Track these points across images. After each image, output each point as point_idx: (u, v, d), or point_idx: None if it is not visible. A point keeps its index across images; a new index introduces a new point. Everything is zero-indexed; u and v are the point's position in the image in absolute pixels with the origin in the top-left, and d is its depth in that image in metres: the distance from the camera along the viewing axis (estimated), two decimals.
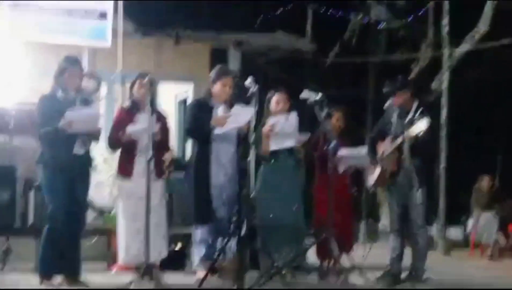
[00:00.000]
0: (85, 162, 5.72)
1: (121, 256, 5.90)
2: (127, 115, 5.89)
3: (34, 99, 5.84)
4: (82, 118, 5.50)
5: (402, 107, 6.14)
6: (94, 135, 5.73)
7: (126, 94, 8.03)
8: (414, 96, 6.31)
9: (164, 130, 5.99)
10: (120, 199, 5.95)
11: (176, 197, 7.56)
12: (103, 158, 6.79)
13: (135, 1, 9.25)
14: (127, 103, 6.14)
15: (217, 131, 5.90)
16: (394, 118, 6.25)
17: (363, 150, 6.37)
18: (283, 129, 6.07)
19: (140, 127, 5.66)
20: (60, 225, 5.47)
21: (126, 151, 5.90)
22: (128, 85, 8.49)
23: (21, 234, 6.67)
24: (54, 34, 8.28)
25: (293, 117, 6.10)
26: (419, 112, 6.16)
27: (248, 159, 5.47)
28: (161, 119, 6.02)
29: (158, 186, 5.91)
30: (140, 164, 5.70)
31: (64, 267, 5.57)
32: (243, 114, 5.83)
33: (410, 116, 6.16)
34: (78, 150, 5.58)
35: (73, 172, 5.55)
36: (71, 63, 5.68)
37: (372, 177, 6.43)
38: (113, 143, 5.99)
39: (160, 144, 5.88)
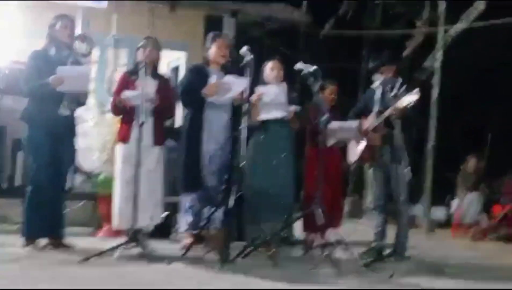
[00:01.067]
0: (70, 124, 5.69)
1: (115, 220, 5.91)
2: (129, 80, 5.85)
3: (25, 58, 5.79)
4: (73, 75, 5.45)
5: (386, 83, 6.13)
6: (80, 97, 5.69)
7: (118, 58, 8.01)
8: (406, 73, 6.32)
9: (167, 95, 5.93)
10: (117, 163, 5.95)
11: (165, 165, 7.55)
12: (94, 122, 6.76)
13: None
14: (130, 67, 6.10)
15: (210, 99, 5.89)
16: (378, 93, 6.25)
17: (353, 123, 6.37)
18: (272, 99, 6.05)
19: (135, 92, 5.62)
20: (44, 186, 5.46)
21: (126, 116, 5.87)
22: (120, 49, 8.49)
23: (8, 195, 6.65)
24: None
25: (282, 87, 6.09)
26: (403, 88, 6.18)
27: (240, 128, 5.46)
28: (164, 84, 5.97)
29: (155, 152, 5.89)
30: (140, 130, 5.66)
31: (49, 229, 5.57)
32: (236, 84, 5.81)
33: (394, 91, 6.17)
34: (63, 110, 5.55)
35: (57, 132, 5.52)
36: (62, 16, 5.67)
37: (355, 152, 6.45)
38: (113, 107, 5.97)
39: (162, 110, 5.85)
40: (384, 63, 6.24)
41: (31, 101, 5.53)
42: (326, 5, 15.00)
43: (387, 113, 5.97)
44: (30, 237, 5.52)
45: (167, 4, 9.98)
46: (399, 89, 6.19)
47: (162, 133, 6.02)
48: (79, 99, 5.71)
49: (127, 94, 5.70)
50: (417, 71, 12.91)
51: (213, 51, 6.06)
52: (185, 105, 6.28)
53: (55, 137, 5.52)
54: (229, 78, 5.88)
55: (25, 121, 5.55)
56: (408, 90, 6.02)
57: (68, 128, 5.67)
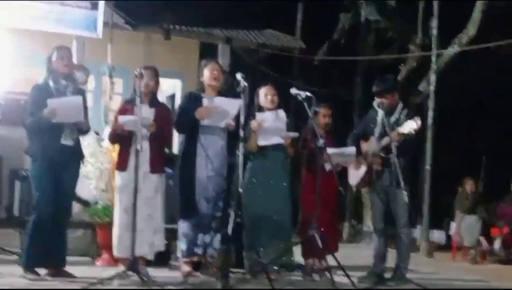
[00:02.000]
0: (74, 154, 5.70)
1: (114, 248, 5.88)
2: (127, 108, 5.86)
3: (21, 88, 5.82)
4: (65, 106, 5.46)
5: (388, 108, 6.16)
6: (81, 126, 5.70)
7: (115, 86, 8.05)
8: (400, 97, 6.36)
9: (165, 123, 5.92)
10: (116, 191, 5.94)
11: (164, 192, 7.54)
12: (90, 151, 6.75)
13: None
14: (128, 95, 6.12)
15: (203, 123, 5.88)
16: (379, 117, 6.27)
17: (351, 150, 6.38)
18: (271, 125, 6.07)
19: (130, 116, 5.62)
20: (47, 216, 5.46)
21: (123, 145, 5.88)
22: (116, 78, 8.53)
23: (6, 225, 6.62)
24: (44, 22, 8.25)
25: (282, 113, 6.11)
26: (404, 113, 6.21)
27: (237, 153, 5.46)
28: (162, 112, 5.98)
29: (153, 180, 5.88)
30: (136, 157, 5.65)
31: (49, 259, 5.55)
32: (228, 107, 5.81)
33: (396, 116, 6.20)
34: (65, 140, 5.57)
35: (61, 163, 5.54)
36: (58, 48, 5.70)
37: (356, 176, 6.45)
38: (111, 135, 5.97)
39: (160, 138, 5.85)
40: (386, 89, 6.27)
41: (33, 135, 5.56)
42: (319, 31, 15.14)
43: (389, 138, 5.97)
44: (30, 266, 5.48)
45: (162, 33, 10.05)
46: (400, 113, 6.22)
47: (161, 161, 5.99)
48: (80, 127, 5.71)
49: (122, 119, 5.70)
50: (412, 95, 12.99)
51: (206, 75, 6.07)
52: (179, 130, 6.28)
53: (59, 167, 5.54)
54: (220, 100, 5.88)
55: (29, 155, 5.59)
56: (409, 115, 6.04)
57: (71, 157, 5.68)
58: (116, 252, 5.88)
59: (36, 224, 5.48)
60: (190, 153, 5.96)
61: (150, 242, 5.80)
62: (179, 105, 6.33)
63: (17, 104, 7.07)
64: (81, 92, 5.85)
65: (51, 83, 5.59)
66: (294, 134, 6.23)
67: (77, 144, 5.75)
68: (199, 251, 5.82)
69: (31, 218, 5.54)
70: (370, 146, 6.28)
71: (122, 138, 5.84)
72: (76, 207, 7.03)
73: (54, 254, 5.57)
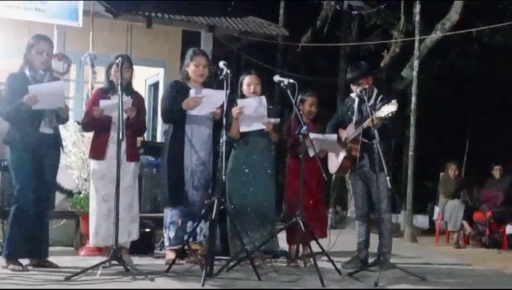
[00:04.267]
0: (54, 142, 5.67)
1: (91, 237, 5.88)
2: (103, 96, 5.84)
3: (2, 78, 5.76)
4: (46, 91, 5.43)
5: (363, 94, 6.17)
6: (61, 114, 5.66)
7: (97, 76, 7.99)
8: (384, 83, 6.37)
9: (141, 111, 5.95)
10: (92, 180, 5.92)
11: (145, 180, 7.54)
12: (72, 141, 6.72)
13: None
14: (104, 85, 6.10)
15: (190, 113, 5.90)
16: (355, 104, 6.29)
17: (333, 136, 6.40)
18: (253, 112, 6.07)
19: (111, 101, 5.59)
20: (28, 205, 5.43)
21: (100, 133, 5.85)
22: (98, 67, 8.46)
23: None
24: (25, 12, 8.19)
25: (263, 100, 6.11)
26: (380, 98, 6.23)
27: (221, 141, 5.47)
28: (138, 100, 5.97)
29: (131, 168, 5.89)
30: (114, 145, 5.62)
31: (32, 249, 5.53)
32: (215, 97, 5.82)
33: (371, 102, 6.22)
34: (45, 128, 5.53)
35: (40, 152, 5.51)
36: (39, 39, 5.64)
37: (335, 163, 6.47)
38: (87, 122, 5.95)
39: (135, 126, 5.85)
40: (361, 74, 6.28)
41: (11, 123, 5.51)
42: (302, 18, 15.11)
43: (365, 123, 6.00)
44: (12, 256, 5.45)
45: (143, 21, 9.99)
46: (375, 99, 6.25)
47: (136, 149, 6.03)
48: (60, 115, 5.67)
49: (103, 103, 5.68)
50: (395, 81, 13.01)
51: (191, 69, 6.08)
52: (166, 120, 6.29)
53: (39, 156, 5.51)
54: (208, 91, 5.89)
55: (7, 144, 5.53)
56: (385, 100, 6.06)
57: (51, 146, 5.64)
58: (93, 241, 5.89)
59: (17, 214, 5.45)
60: (178, 142, 5.98)
61: (128, 231, 5.84)
62: (163, 94, 6.32)
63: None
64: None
65: (27, 72, 5.55)
66: (276, 120, 6.23)
67: (57, 133, 5.72)
68: (188, 238, 5.83)
69: (12, 208, 5.51)
70: (348, 132, 6.30)
71: (98, 126, 5.82)
72: (58, 197, 7.02)
73: (36, 245, 5.56)
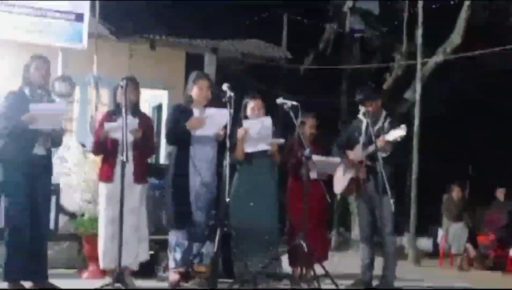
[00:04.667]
0: (46, 164, 5.65)
1: (100, 260, 5.86)
2: (110, 119, 5.84)
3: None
4: (47, 113, 5.43)
5: (372, 116, 6.18)
6: (56, 136, 5.66)
7: (101, 97, 8.03)
8: (386, 106, 6.39)
9: (148, 132, 5.95)
10: (100, 202, 5.91)
11: (148, 202, 7.51)
12: (75, 162, 6.72)
13: (111, 5, 9.22)
14: (111, 107, 6.11)
15: (193, 133, 5.90)
16: (363, 125, 6.30)
17: (336, 159, 6.41)
18: (257, 132, 6.08)
19: (116, 123, 5.58)
20: (22, 227, 5.38)
21: (108, 155, 5.86)
22: (102, 89, 8.51)
23: None
24: (29, 34, 8.25)
25: (267, 120, 6.12)
26: (388, 121, 6.23)
27: (224, 163, 5.46)
28: (145, 122, 5.98)
29: (137, 189, 5.87)
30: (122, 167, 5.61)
31: (30, 271, 5.46)
32: (218, 117, 5.83)
33: (379, 124, 6.22)
34: (38, 150, 5.51)
35: (33, 172, 5.47)
36: (36, 57, 5.65)
37: (341, 184, 6.46)
38: (95, 146, 5.96)
39: (142, 148, 5.85)
40: (368, 97, 6.29)
41: (6, 142, 5.46)
42: (305, 41, 15.17)
43: (373, 147, 5.98)
44: (10, 279, 5.40)
45: (147, 43, 10.05)
46: (383, 122, 6.25)
47: (144, 171, 6.00)
48: (54, 138, 5.67)
49: (107, 125, 5.69)
50: (398, 103, 13.03)
51: (195, 92, 6.09)
52: (170, 143, 6.29)
53: (31, 177, 5.46)
54: (211, 111, 5.90)
55: (0, 163, 5.48)
56: (393, 123, 6.06)
57: (44, 168, 5.61)
58: (102, 264, 5.86)
59: (12, 236, 5.40)
60: (182, 164, 5.97)
61: (135, 253, 5.79)
62: (167, 117, 6.33)
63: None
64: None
65: (26, 91, 5.55)
66: (280, 141, 6.24)
67: (49, 155, 5.70)
68: (194, 260, 5.80)
69: (5, 230, 5.44)
70: (355, 154, 6.30)
71: (106, 149, 5.83)
72: (62, 218, 7.00)
73: (34, 267, 5.49)
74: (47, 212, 5.87)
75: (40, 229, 5.60)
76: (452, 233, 10.42)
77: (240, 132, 6.01)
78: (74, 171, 6.76)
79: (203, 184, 5.95)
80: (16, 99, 5.50)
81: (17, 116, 5.34)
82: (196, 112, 5.94)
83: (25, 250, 5.42)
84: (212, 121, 5.85)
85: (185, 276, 5.90)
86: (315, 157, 6.09)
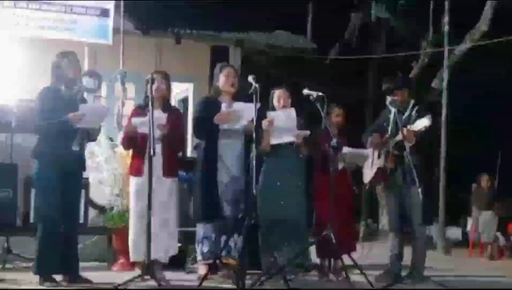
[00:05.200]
0: (80, 160, 5.71)
1: (131, 253, 5.91)
2: (139, 113, 5.88)
3: (34, 96, 5.83)
4: (93, 112, 5.57)
5: (400, 105, 6.14)
6: (92, 134, 5.74)
7: (127, 92, 8.08)
8: (414, 95, 6.34)
9: (177, 127, 5.96)
10: (131, 196, 5.97)
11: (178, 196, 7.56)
12: (105, 157, 6.79)
13: (136, 0, 9.27)
14: (140, 101, 6.16)
15: (222, 127, 5.92)
16: (391, 115, 6.27)
17: (366, 151, 6.39)
18: (283, 124, 6.08)
19: (145, 118, 5.59)
20: (55, 221, 5.45)
21: (137, 150, 5.90)
22: (128, 84, 8.57)
23: (22, 232, 6.65)
24: (55, 31, 8.34)
25: (292, 112, 6.12)
26: (415, 110, 6.19)
27: (251, 155, 5.48)
28: (174, 116, 5.99)
29: (167, 183, 5.90)
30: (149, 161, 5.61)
31: (62, 265, 5.53)
32: (246, 111, 5.84)
33: (407, 114, 6.19)
34: (75, 146, 5.59)
35: (67, 169, 5.53)
36: (66, 53, 5.70)
37: (369, 174, 6.44)
38: (124, 140, 6.02)
39: (172, 142, 5.88)
40: (395, 86, 6.26)
41: (43, 138, 5.55)
42: (330, 31, 15.11)
43: (399, 136, 5.96)
44: (44, 273, 5.47)
45: (172, 37, 10.09)
46: (411, 111, 6.21)
47: (174, 165, 6.02)
48: (90, 136, 5.75)
49: (134, 120, 5.74)
50: (425, 92, 12.94)
51: (221, 80, 6.11)
52: (198, 136, 6.30)
53: (66, 173, 5.54)
54: (239, 105, 5.91)
55: (36, 158, 5.56)
56: (420, 113, 6.02)
57: (77, 163, 5.70)
58: (132, 257, 5.92)
59: (45, 231, 5.46)
60: (211, 157, 5.98)
61: (165, 246, 5.83)
62: (195, 111, 6.35)
63: (31, 112, 7.09)
64: (85, 101, 5.89)
65: (63, 88, 5.61)
66: (306, 132, 6.23)
67: (83, 151, 5.77)
68: (222, 253, 5.83)
69: (39, 225, 5.51)
70: (378, 140, 6.27)
71: (136, 143, 5.87)
72: (91, 212, 7.08)
73: (65, 261, 5.54)
74: (78, 207, 5.95)
75: (72, 224, 5.67)
76: (482, 222, 10.34)
77: (264, 123, 6.02)
78: (103, 166, 6.83)
79: (231, 177, 5.97)
80: (52, 96, 5.56)
81: (54, 114, 5.40)
82: (223, 106, 5.96)
83: (57, 244, 5.49)
84: (240, 115, 5.86)
85: (214, 268, 5.93)
86: (345, 149, 6.08)
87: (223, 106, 5.95)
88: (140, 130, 5.69)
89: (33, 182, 5.78)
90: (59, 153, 5.48)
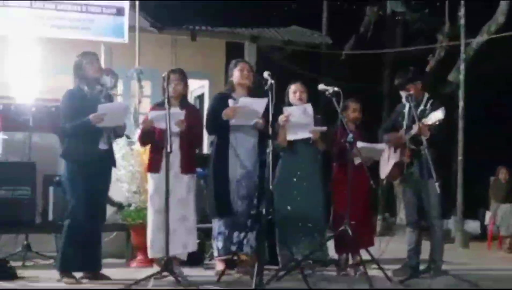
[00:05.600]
0: (108, 158, 5.78)
1: (148, 249, 5.95)
2: (156, 110, 5.90)
3: (51, 95, 5.90)
4: (112, 112, 5.60)
5: (414, 99, 6.12)
6: (119, 131, 5.81)
7: (143, 90, 8.12)
8: (430, 88, 6.31)
9: (195, 124, 5.96)
10: (149, 193, 6.00)
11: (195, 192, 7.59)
12: (122, 154, 6.83)
13: None
14: (159, 99, 6.19)
15: (232, 123, 5.92)
16: (406, 109, 6.25)
17: (381, 146, 6.38)
18: (299, 120, 6.08)
19: (162, 112, 5.59)
20: (82, 220, 5.53)
21: (156, 146, 5.92)
22: (145, 81, 8.61)
23: (41, 230, 6.72)
24: (71, 30, 8.40)
25: (309, 108, 6.12)
26: (429, 103, 6.17)
27: (268, 151, 5.49)
28: (192, 113, 6.01)
29: (185, 180, 5.92)
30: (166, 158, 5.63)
31: (85, 262, 5.61)
32: (254, 106, 5.84)
33: (421, 107, 6.17)
34: (102, 144, 5.65)
35: (96, 167, 5.61)
36: (86, 54, 5.77)
37: (385, 169, 6.43)
38: (141, 136, 6.03)
39: (190, 138, 5.90)
40: (409, 80, 6.24)
41: (71, 139, 5.63)
42: (345, 26, 15.08)
43: (414, 130, 5.95)
44: (66, 270, 5.54)
45: (188, 34, 10.12)
46: (425, 104, 6.19)
47: (192, 162, 6.03)
48: (117, 132, 5.81)
49: (152, 114, 5.77)
50: (442, 85, 12.87)
51: (236, 75, 6.12)
52: (209, 131, 6.33)
53: (94, 171, 5.61)
54: (245, 100, 5.91)
55: (66, 159, 5.65)
56: (434, 106, 6.00)
57: (106, 162, 5.76)
58: (150, 253, 5.95)
59: (71, 228, 5.54)
60: (223, 153, 6.01)
61: (183, 243, 5.85)
62: (208, 106, 6.38)
63: (48, 111, 7.18)
64: (111, 97, 5.96)
65: (85, 88, 5.67)
66: (322, 128, 6.23)
67: (111, 149, 5.84)
68: (235, 249, 5.85)
69: (65, 222, 5.60)
70: (396, 136, 6.26)
71: (153, 139, 5.89)
72: (109, 209, 7.12)
73: (89, 258, 5.63)
74: (105, 206, 6.02)
75: (98, 222, 5.75)
76: (500, 215, 10.28)
77: (281, 118, 6.02)
78: (120, 163, 6.87)
79: (244, 173, 5.98)
80: (76, 97, 5.63)
81: (80, 115, 5.47)
82: (230, 102, 5.97)
83: (82, 243, 5.56)
84: (247, 110, 5.86)
85: (231, 264, 5.95)
86: (359, 144, 6.07)
87: (230, 102, 5.96)
88: (157, 125, 5.71)
89: (61, 182, 5.82)
90: (87, 154, 5.56)
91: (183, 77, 6.00)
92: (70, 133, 5.61)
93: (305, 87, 6.40)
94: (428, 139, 5.84)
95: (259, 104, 5.78)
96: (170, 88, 5.68)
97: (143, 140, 6.08)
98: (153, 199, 5.90)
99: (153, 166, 5.93)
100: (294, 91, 6.35)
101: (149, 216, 5.96)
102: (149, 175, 6.02)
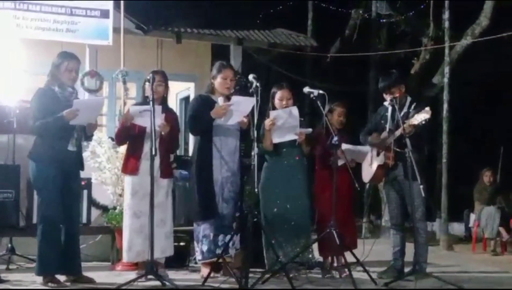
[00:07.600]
0: (77, 160, 5.72)
1: (125, 253, 5.91)
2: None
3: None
4: (88, 107, 5.52)
5: (396, 102, 6.14)
6: (88, 130, 5.71)
7: (129, 92, 8.10)
8: (415, 91, 6.33)
9: (174, 128, 5.96)
10: (125, 196, 5.97)
11: (179, 194, 7.58)
12: (106, 157, 6.81)
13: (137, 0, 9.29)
14: (138, 100, 6.16)
15: (219, 122, 5.90)
16: (389, 113, 6.27)
17: (365, 148, 6.40)
18: (285, 122, 6.07)
19: (144, 107, 5.55)
20: (55, 222, 5.46)
21: (133, 148, 5.89)
22: (130, 83, 8.58)
23: (26, 233, 6.68)
24: (56, 32, 8.36)
25: (295, 110, 6.12)
26: (413, 106, 6.19)
27: (252, 154, 5.48)
28: (171, 117, 6.00)
29: (164, 184, 5.91)
30: (147, 161, 5.61)
31: (64, 265, 5.55)
32: (244, 105, 5.83)
33: (404, 110, 6.19)
34: (71, 146, 5.58)
35: (65, 169, 5.54)
36: (68, 57, 5.67)
37: (369, 172, 6.44)
38: (119, 133, 5.99)
39: (168, 142, 5.87)
40: (392, 83, 6.26)
41: (39, 138, 5.55)
42: (331, 28, 15.11)
43: (398, 132, 5.97)
44: (46, 274, 5.48)
45: (173, 36, 10.10)
46: (409, 107, 6.22)
47: (170, 166, 6.04)
48: (87, 133, 5.74)
49: (134, 108, 5.70)
50: (426, 88, 12.93)
51: (218, 82, 6.08)
52: (193, 132, 6.32)
53: (64, 173, 5.54)
54: (237, 98, 5.90)
55: (33, 159, 5.55)
56: (418, 108, 6.03)
57: (75, 164, 5.69)
58: (126, 257, 5.91)
59: (46, 231, 5.46)
60: (206, 155, 5.99)
61: (161, 247, 5.83)
62: (189, 107, 6.31)
63: (27, 112, 7.13)
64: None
65: (56, 89, 5.60)
66: (307, 130, 6.23)
67: (80, 150, 5.76)
68: (220, 251, 5.83)
69: (39, 227, 5.51)
70: (382, 137, 6.28)
71: (131, 137, 5.85)
72: (94, 212, 7.10)
73: (67, 261, 5.56)
74: (78, 206, 5.97)
75: (73, 224, 5.68)
76: (485, 217, 10.33)
77: (267, 122, 6.02)
78: (105, 166, 6.84)
79: (227, 175, 5.97)
80: (46, 96, 5.54)
81: (49, 114, 5.39)
82: (221, 100, 5.96)
83: (58, 245, 5.50)
84: (237, 108, 5.84)
85: (216, 267, 5.94)
86: (344, 146, 6.07)
87: (220, 100, 5.94)
88: (137, 121, 5.67)
89: (32, 183, 5.76)
90: (56, 153, 5.47)
91: (165, 79, 6.00)
92: (40, 132, 5.48)
93: (290, 93, 6.36)
94: (413, 141, 5.86)
95: (248, 103, 5.76)
96: (151, 89, 5.64)
97: (121, 138, 6.03)
98: (130, 202, 5.86)
99: (131, 168, 5.88)
100: (280, 98, 6.29)
101: (125, 220, 5.92)
102: (126, 177, 5.98)
